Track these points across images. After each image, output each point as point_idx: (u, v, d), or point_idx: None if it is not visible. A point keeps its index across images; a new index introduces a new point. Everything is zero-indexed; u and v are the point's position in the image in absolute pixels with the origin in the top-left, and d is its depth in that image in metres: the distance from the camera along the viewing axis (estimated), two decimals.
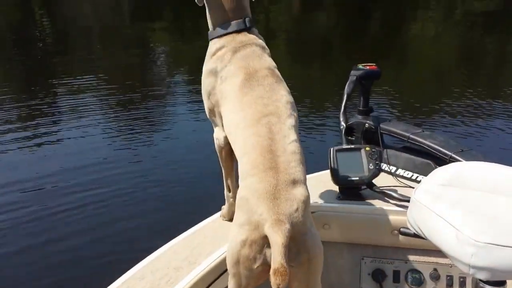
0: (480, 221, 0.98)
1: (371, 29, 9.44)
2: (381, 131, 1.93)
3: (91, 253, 2.83)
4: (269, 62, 1.41)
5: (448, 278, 1.65)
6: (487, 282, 1.06)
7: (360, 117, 1.99)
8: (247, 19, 1.45)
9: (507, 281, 1.48)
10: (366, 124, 1.96)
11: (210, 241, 1.54)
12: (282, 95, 1.33)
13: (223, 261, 1.42)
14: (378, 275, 1.70)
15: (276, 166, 1.15)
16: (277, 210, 1.08)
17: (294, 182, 1.14)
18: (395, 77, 6.04)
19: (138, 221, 3.12)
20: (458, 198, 1.06)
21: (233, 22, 1.44)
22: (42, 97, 5.71)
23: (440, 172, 1.19)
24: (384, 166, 1.89)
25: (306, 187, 1.17)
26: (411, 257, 1.68)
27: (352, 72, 1.93)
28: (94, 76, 6.54)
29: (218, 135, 1.50)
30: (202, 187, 3.36)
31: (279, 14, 11.41)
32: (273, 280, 1.01)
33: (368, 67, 1.93)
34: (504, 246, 0.93)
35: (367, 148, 1.72)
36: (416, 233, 1.16)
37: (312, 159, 3.06)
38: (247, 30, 1.45)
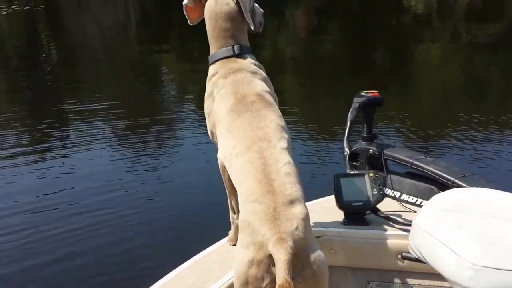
0: (479, 245, 1.01)
1: (376, 55, 9.54)
2: (385, 157, 1.96)
3: (97, 278, 2.86)
4: (260, 87, 1.47)
5: None
6: None
7: (364, 143, 2.03)
8: (235, 46, 1.52)
9: None
10: (370, 150, 2.00)
11: (218, 266, 1.57)
12: (271, 120, 1.38)
13: (231, 286, 1.44)
14: None
15: (272, 190, 1.21)
16: (279, 230, 1.14)
17: (292, 202, 1.19)
18: (401, 102, 6.08)
19: (145, 245, 3.15)
20: (458, 224, 1.09)
21: (222, 50, 1.53)
22: (50, 122, 5.80)
23: (441, 198, 1.22)
24: (388, 191, 1.92)
25: (304, 205, 1.22)
26: (416, 281, 1.70)
27: (355, 99, 1.98)
28: (101, 100, 6.62)
29: (220, 156, 1.53)
30: (209, 211, 3.38)
31: (285, 42, 11.57)
32: None
33: (370, 94, 1.98)
34: (501, 269, 0.95)
35: (371, 174, 1.75)
36: (418, 257, 1.18)
37: (317, 184, 3.10)
38: (236, 56, 1.52)
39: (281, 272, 1.08)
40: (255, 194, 1.21)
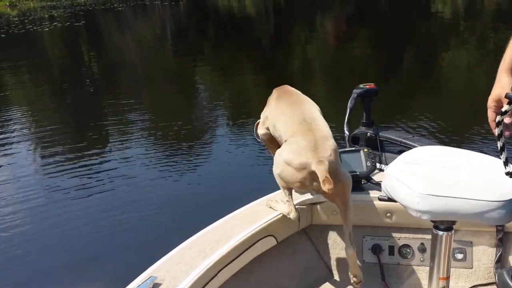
0: (425, 182, 1.41)
1: (405, 60, 9.76)
2: (380, 138, 2.36)
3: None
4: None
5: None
6: (438, 228, 1.48)
7: (363, 128, 2.44)
8: None
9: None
10: (368, 133, 2.39)
11: (240, 223, 1.96)
12: (306, 102, 1.98)
13: (254, 235, 1.86)
14: (376, 250, 2.10)
15: (312, 129, 1.75)
16: (318, 155, 1.66)
17: (326, 138, 1.73)
18: (431, 105, 6.27)
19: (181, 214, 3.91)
20: (413, 170, 1.49)
21: None
22: (91, 132, 6.32)
23: (406, 154, 1.62)
24: (382, 166, 2.30)
25: (334, 141, 1.74)
26: (403, 235, 2.08)
27: (354, 90, 2.39)
28: (139, 109, 7.12)
29: (259, 130, 2.15)
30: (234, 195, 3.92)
31: (315, 49, 11.95)
32: (324, 187, 1.56)
33: (367, 86, 2.39)
34: (438, 196, 1.35)
35: (365, 150, 2.15)
36: (387, 196, 1.58)
37: None
38: None
39: (322, 176, 1.58)
40: (299, 134, 1.75)
